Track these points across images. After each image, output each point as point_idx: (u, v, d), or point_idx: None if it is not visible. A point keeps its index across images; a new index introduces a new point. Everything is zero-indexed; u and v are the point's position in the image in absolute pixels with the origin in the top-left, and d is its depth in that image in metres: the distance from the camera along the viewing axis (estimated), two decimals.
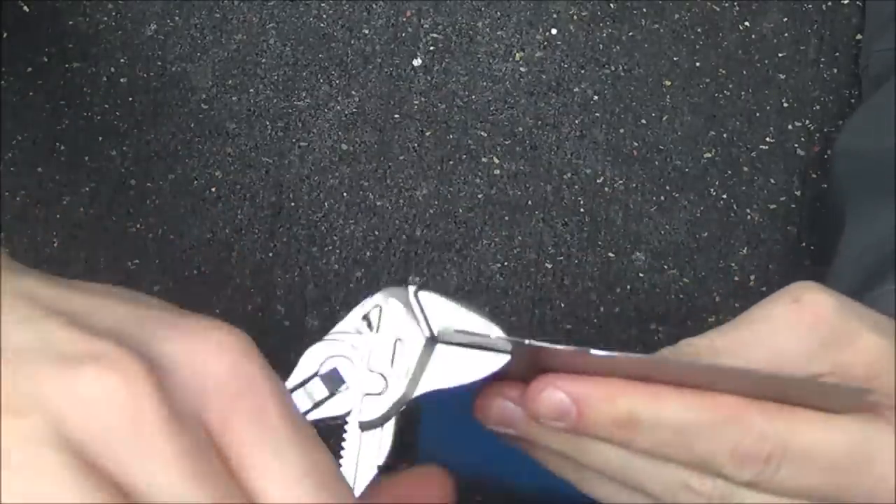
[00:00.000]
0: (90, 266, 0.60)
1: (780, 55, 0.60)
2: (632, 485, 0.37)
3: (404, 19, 0.59)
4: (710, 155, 0.60)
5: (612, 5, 0.59)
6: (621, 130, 0.59)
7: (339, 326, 0.36)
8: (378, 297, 0.36)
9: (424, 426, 0.49)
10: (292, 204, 0.59)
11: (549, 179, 0.59)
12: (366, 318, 0.36)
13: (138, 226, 0.60)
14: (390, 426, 0.35)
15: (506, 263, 0.59)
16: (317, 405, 0.35)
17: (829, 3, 0.60)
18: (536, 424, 0.37)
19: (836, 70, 0.61)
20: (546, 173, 0.59)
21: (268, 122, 0.59)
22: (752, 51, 0.60)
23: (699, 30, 0.60)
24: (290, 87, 0.59)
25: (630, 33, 0.59)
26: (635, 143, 0.59)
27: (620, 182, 0.59)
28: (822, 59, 0.61)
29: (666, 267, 0.60)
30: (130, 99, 0.59)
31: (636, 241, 0.59)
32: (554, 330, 0.59)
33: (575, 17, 0.59)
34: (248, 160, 0.59)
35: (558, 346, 0.34)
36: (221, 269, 0.59)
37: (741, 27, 0.60)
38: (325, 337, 0.36)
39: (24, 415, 0.27)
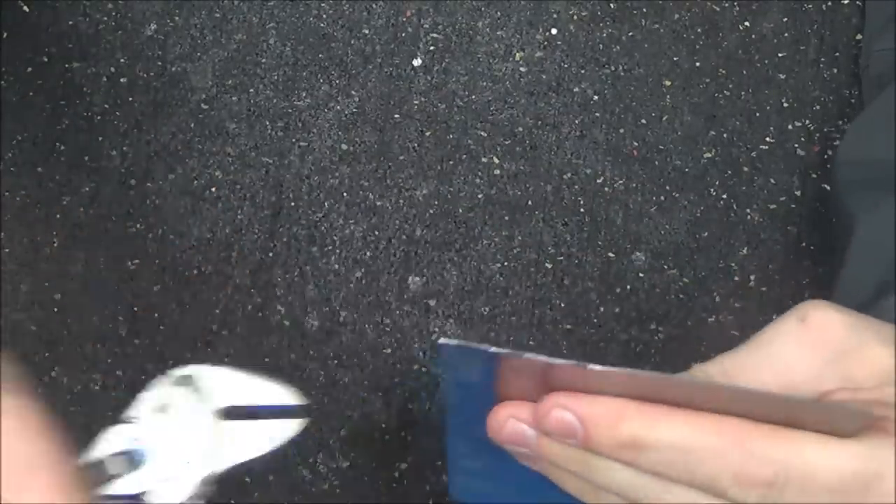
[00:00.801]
0: (90, 266, 0.60)
1: (780, 55, 0.60)
2: None
3: (404, 19, 0.59)
4: (710, 155, 0.60)
5: (612, 5, 0.59)
6: (621, 130, 0.59)
7: (132, 411, 0.38)
8: (165, 382, 0.39)
9: (451, 458, 0.48)
10: (292, 204, 0.59)
11: (549, 179, 0.59)
12: (159, 404, 0.38)
13: (138, 226, 0.60)
14: None
15: (506, 263, 0.59)
16: (111, 480, 0.37)
17: (829, 3, 0.60)
18: (547, 443, 0.38)
19: (836, 70, 0.61)
20: (546, 173, 0.59)
21: (268, 122, 0.59)
22: (752, 51, 0.60)
23: (699, 30, 0.59)
24: (290, 87, 0.59)
25: (630, 33, 0.59)
26: (635, 143, 0.59)
27: (620, 182, 0.59)
28: (822, 59, 0.61)
29: (666, 267, 0.60)
30: (130, 99, 0.59)
31: (636, 241, 0.59)
32: (554, 330, 0.59)
33: (575, 17, 0.59)
34: (248, 160, 0.59)
35: (558, 361, 0.34)
36: (221, 269, 0.59)
37: (741, 27, 0.60)
38: (123, 418, 0.38)
39: None
